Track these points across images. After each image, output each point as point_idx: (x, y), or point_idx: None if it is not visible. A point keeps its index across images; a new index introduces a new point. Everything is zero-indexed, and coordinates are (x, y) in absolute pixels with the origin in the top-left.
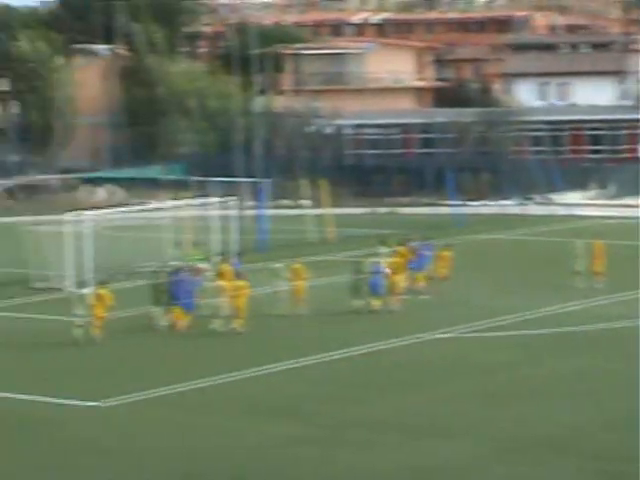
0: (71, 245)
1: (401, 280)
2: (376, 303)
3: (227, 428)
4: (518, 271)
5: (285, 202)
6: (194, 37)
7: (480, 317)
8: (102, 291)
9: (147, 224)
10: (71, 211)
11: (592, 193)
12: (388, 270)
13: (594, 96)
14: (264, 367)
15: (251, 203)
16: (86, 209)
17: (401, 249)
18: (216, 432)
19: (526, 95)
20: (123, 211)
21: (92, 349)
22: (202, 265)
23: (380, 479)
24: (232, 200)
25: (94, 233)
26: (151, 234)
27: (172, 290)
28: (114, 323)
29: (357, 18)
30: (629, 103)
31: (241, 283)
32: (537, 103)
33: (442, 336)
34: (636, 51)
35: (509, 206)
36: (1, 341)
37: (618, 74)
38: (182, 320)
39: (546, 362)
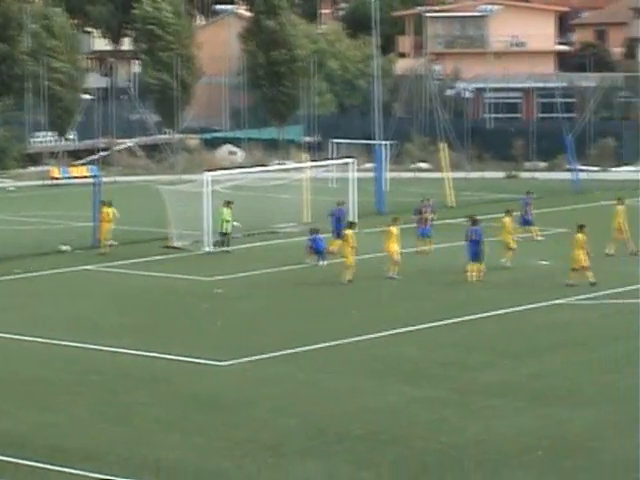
0: (209, 205)
1: None
2: None
3: (357, 389)
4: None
5: (403, 165)
6: None
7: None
8: None
9: (288, 184)
10: (210, 171)
11: None
12: None
13: None
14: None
15: (369, 165)
16: (225, 169)
17: None
18: (344, 392)
19: None
20: (260, 171)
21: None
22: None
23: (506, 446)
24: (350, 162)
25: (231, 193)
26: (287, 195)
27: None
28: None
29: None
30: None
31: None
32: None
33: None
34: None
35: (630, 172)
36: (134, 298)
37: None
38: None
39: None
